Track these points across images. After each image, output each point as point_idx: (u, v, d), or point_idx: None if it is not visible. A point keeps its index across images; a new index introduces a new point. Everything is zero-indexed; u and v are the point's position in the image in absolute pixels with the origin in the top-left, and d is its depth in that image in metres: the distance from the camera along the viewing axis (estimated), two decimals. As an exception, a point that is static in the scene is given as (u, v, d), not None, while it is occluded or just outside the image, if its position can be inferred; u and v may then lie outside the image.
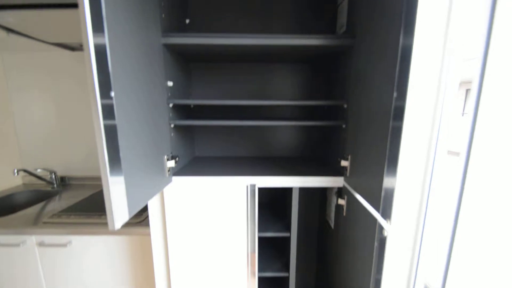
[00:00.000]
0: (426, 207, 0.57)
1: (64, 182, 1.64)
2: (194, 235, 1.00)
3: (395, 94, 0.55)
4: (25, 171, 1.51)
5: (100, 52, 0.51)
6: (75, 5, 0.92)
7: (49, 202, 1.34)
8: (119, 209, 0.58)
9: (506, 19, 0.45)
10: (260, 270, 1.12)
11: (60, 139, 1.60)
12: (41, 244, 1.08)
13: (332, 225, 1.12)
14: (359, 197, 0.78)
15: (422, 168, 0.57)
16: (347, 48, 0.89)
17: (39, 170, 1.55)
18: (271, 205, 1.37)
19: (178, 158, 0.99)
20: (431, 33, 0.50)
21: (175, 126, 0.97)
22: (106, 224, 0.83)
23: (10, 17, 1.01)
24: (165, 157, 0.88)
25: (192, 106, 1.22)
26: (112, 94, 0.55)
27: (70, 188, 1.57)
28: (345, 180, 0.94)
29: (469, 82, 0.52)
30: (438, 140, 0.54)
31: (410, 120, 0.53)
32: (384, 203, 0.61)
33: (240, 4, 1.16)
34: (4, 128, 1.54)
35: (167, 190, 0.95)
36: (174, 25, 0.97)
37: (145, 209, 1.12)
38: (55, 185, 1.57)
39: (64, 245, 1.08)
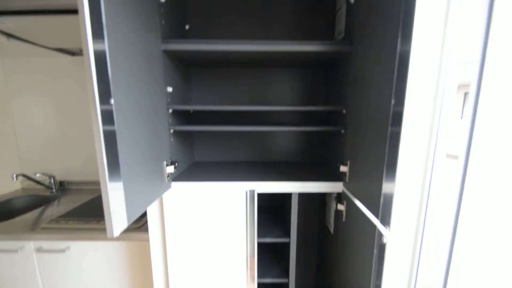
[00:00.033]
0: (425, 213, 0.57)
1: (63, 187, 1.64)
2: (193, 241, 1.00)
3: (393, 99, 0.56)
4: (24, 175, 1.51)
5: (100, 58, 0.52)
6: (75, 11, 0.93)
7: (48, 207, 1.33)
8: (117, 216, 0.58)
9: (504, 23, 0.46)
10: (259, 275, 1.11)
11: (60, 144, 1.60)
12: (39, 250, 1.08)
13: (332, 230, 1.12)
14: (358, 203, 0.78)
15: (421, 173, 0.56)
16: (346, 54, 0.90)
17: (38, 175, 1.54)
18: (271, 210, 1.36)
19: (178, 164, 0.99)
20: (428, 38, 0.51)
21: (174, 131, 0.97)
22: (104, 229, 0.83)
23: (10, 23, 1.01)
24: (165, 162, 0.88)
25: (191, 111, 1.23)
26: (112, 101, 0.55)
27: (69, 192, 1.57)
28: (344, 185, 0.93)
29: (467, 85, 0.52)
30: (437, 144, 0.54)
31: (408, 125, 0.53)
32: (383, 210, 0.61)
33: (240, 8, 1.17)
34: (4, 132, 1.54)
35: (166, 195, 0.95)
36: (174, 31, 0.98)
37: (144, 214, 1.12)
38: (54, 190, 1.57)
39: (63, 251, 1.07)
